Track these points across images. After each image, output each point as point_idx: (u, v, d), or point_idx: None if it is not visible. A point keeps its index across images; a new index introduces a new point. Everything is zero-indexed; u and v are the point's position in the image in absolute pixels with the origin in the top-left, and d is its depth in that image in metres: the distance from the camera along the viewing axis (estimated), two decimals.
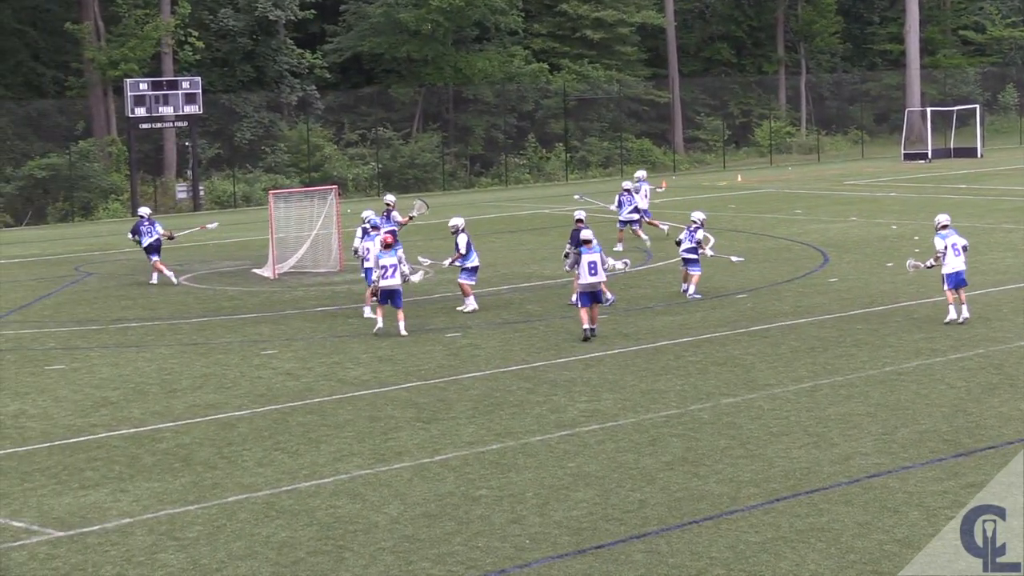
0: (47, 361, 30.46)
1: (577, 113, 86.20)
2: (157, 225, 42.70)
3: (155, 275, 42.12)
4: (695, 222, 35.21)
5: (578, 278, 30.03)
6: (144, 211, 44.36)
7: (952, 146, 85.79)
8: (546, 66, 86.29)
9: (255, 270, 43.15)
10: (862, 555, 15.86)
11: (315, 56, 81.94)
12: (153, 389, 26.87)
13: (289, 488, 19.50)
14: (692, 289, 34.93)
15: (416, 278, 33.37)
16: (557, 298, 35.96)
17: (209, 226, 49.11)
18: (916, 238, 45.11)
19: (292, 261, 42.63)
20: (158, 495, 19.39)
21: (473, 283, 34.35)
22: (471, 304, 34.15)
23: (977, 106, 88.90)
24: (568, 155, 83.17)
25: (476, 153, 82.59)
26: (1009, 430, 21.66)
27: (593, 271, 29.46)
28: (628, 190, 46.70)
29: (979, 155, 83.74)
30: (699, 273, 34.99)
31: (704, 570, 15.75)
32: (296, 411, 24.57)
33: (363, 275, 34.29)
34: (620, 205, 46.24)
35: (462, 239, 33.89)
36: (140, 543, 17.17)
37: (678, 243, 35.40)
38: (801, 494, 18.57)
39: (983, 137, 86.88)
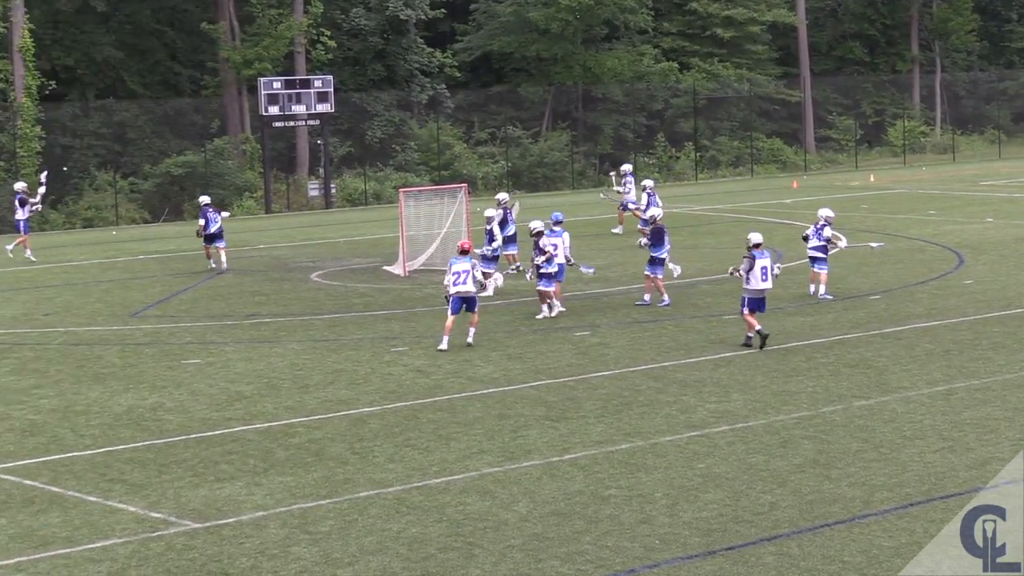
0: (184, 356, 30.81)
1: (707, 112, 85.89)
2: (222, 212, 45.73)
3: (213, 261, 45.03)
4: (822, 219, 34.83)
5: (748, 283, 29.33)
6: (205, 199, 47.03)
7: None
8: (676, 65, 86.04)
9: (386, 267, 43.40)
10: None
11: (445, 55, 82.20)
12: (286, 384, 27.11)
13: (420, 484, 19.53)
14: (822, 290, 34.60)
15: (490, 288, 33.45)
16: (687, 298, 35.81)
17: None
18: None
19: (422, 259, 42.75)
20: (291, 489, 19.52)
21: (552, 288, 33.79)
22: (546, 311, 33.73)
23: None
24: (698, 154, 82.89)
25: (605, 152, 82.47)
26: None
27: (764, 277, 29.10)
28: (650, 191, 46.87)
29: None
30: (826, 272, 34.66)
31: (837, 574, 15.60)
32: (426, 408, 24.64)
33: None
34: (647, 205, 45.84)
35: (546, 241, 33.52)
36: (273, 536, 17.29)
37: (805, 239, 35.08)
38: (936, 499, 18.35)
39: None
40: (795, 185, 70.10)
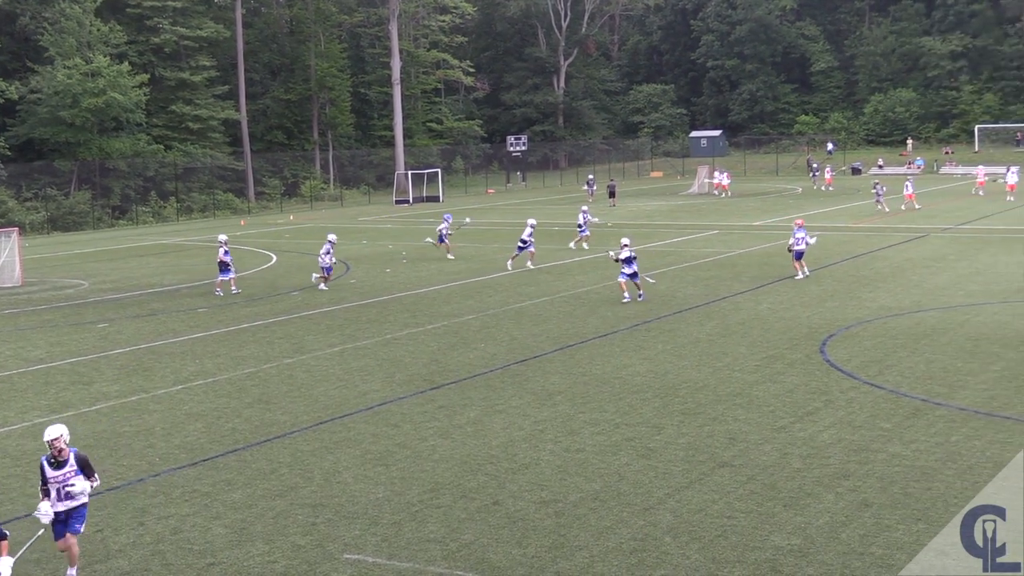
0: None
1: (184, 177, 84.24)
2: None
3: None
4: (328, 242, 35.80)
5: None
6: None
7: (425, 195, 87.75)
8: (162, 146, 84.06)
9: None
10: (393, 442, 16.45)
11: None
12: None
13: None
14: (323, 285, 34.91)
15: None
16: (173, 299, 35.24)
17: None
18: (403, 253, 46.08)
19: None
20: None
21: None
22: None
23: (439, 170, 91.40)
24: (179, 204, 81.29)
25: (115, 204, 79.60)
26: (463, 372, 22.61)
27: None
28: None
29: (441, 200, 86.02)
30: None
31: (275, 470, 16.00)
32: None
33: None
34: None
35: None
36: None
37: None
38: (336, 417, 19.04)
39: (443, 189, 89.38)
40: (243, 223, 69.68)
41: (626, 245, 30.78)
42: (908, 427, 17.34)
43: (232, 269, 35.72)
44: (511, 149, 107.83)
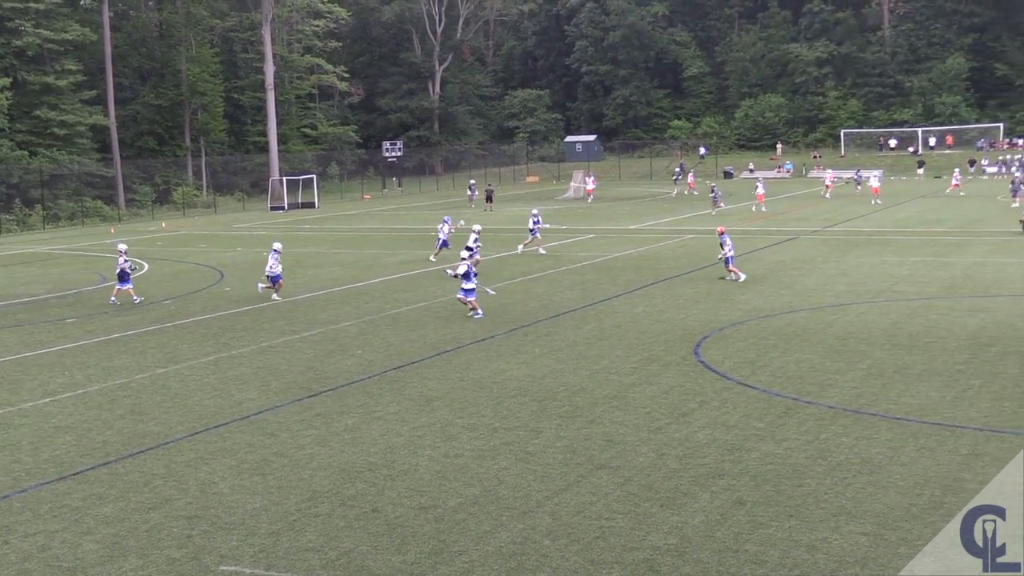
0: None
1: (51, 184, 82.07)
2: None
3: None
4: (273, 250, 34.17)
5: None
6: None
7: (300, 201, 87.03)
8: (26, 153, 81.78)
9: None
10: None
11: None
12: None
13: None
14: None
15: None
16: (41, 309, 34.34)
17: None
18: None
19: None
20: None
21: None
22: None
23: (314, 176, 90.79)
24: (44, 212, 79.14)
25: None
26: (341, 379, 22.45)
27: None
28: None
29: (317, 206, 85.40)
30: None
31: (150, 482, 15.69)
32: None
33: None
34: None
35: None
36: None
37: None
38: (215, 426, 18.75)
39: (319, 195, 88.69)
40: (112, 231, 68.23)
41: (465, 259, 29.92)
42: (780, 426, 17.71)
43: (131, 278, 34.99)
44: (387, 154, 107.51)
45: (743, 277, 34.21)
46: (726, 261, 34.47)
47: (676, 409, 19.01)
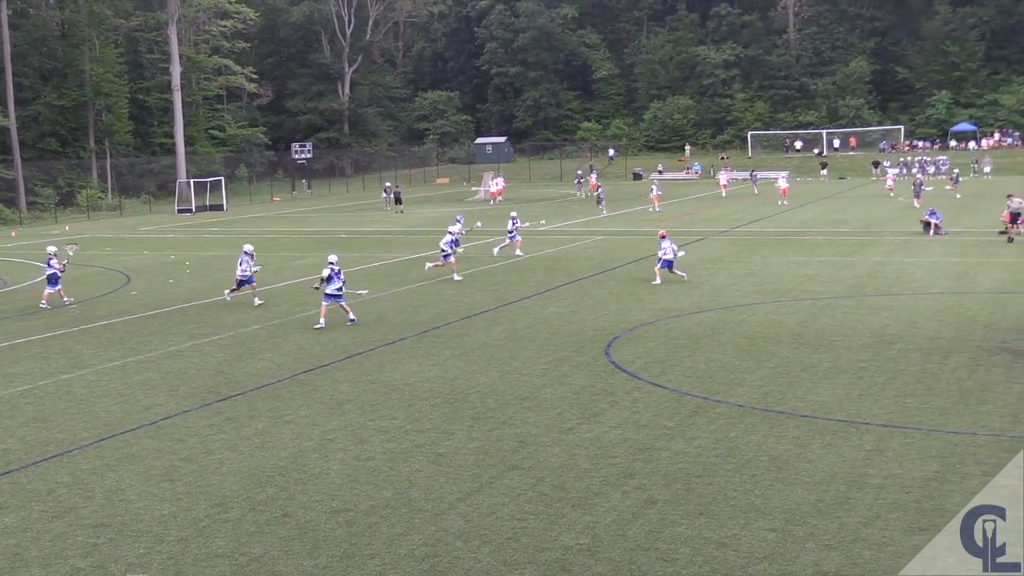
0: None
1: None
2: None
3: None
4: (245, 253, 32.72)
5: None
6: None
7: (208, 203, 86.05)
8: None
9: None
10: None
11: None
12: None
13: None
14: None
15: None
16: None
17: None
18: (187, 263, 45.06)
19: None
20: None
21: None
22: None
23: (222, 178, 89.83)
24: None
25: None
26: (250, 383, 22.22)
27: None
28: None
29: (225, 209, 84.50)
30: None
31: (53, 490, 15.39)
32: None
33: None
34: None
35: None
36: None
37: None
38: (118, 434, 18.43)
39: (227, 198, 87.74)
40: (14, 234, 66.85)
41: (332, 263, 28.81)
42: (690, 425, 17.89)
43: (60, 280, 34.14)
44: (296, 156, 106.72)
45: (658, 281, 34.24)
46: (662, 263, 34.34)
47: (587, 409, 19.12)
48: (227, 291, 33.65)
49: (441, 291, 34.35)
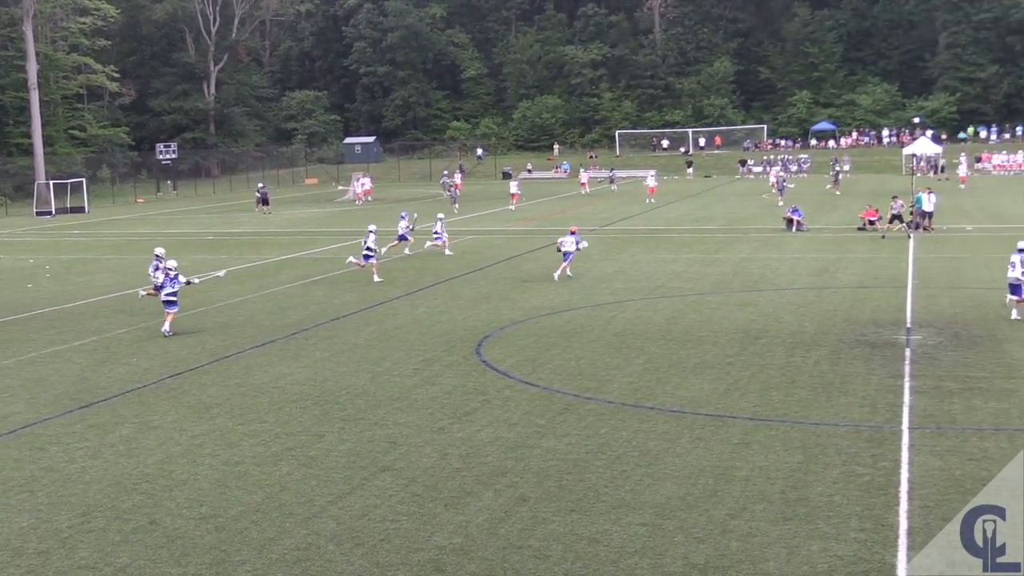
0: None
1: None
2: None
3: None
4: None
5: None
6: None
7: (69, 206, 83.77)
8: None
9: None
10: None
11: None
12: None
13: None
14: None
15: None
16: None
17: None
18: (47, 267, 43.87)
19: None
20: None
21: None
22: None
23: (84, 179, 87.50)
24: None
25: None
26: (115, 388, 21.73)
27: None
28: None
29: (87, 211, 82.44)
30: None
31: None
32: None
33: None
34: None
35: None
36: None
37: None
38: None
39: (89, 199, 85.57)
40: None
41: (170, 269, 27.85)
42: (561, 422, 18.02)
43: None
44: (161, 157, 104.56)
45: (556, 276, 34.62)
46: (565, 256, 34.87)
47: (459, 409, 19.13)
48: (142, 290, 31.31)
49: (310, 292, 34.03)
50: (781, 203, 61.03)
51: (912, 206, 47.61)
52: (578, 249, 35.06)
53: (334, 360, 23.70)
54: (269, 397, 20.47)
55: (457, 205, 67.24)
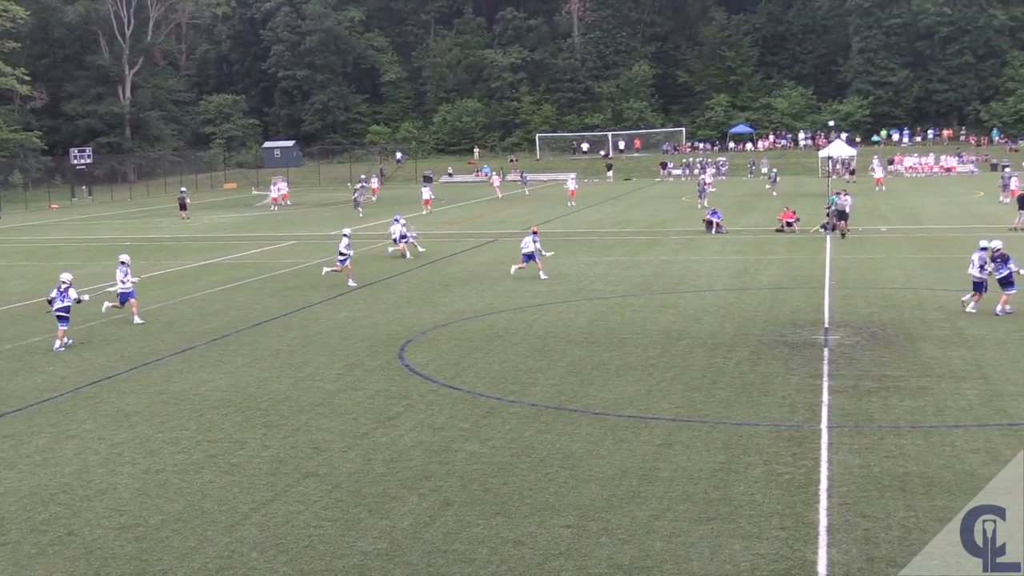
0: None
1: None
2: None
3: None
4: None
5: None
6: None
7: None
8: None
9: None
10: None
11: None
12: None
13: None
14: None
15: None
16: None
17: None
18: None
19: None
20: None
21: None
22: None
23: None
24: None
25: None
26: (31, 397, 21.32)
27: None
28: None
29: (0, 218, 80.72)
30: None
31: None
32: None
33: None
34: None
35: None
36: None
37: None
38: None
39: (0, 206, 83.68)
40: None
41: (63, 280, 26.80)
42: (485, 426, 18.04)
43: None
44: (75, 162, 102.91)
45: (514, 270, 35.91)
46: (531, 256, 35.70)
47: (382, 413, 19.06)
48: (106, 304, 30.41)
49: (231, 298, 33.70)
50: (704, 205, 61.67)
51: (827, 208, 48.30)
52: (537, 250, 35.80)
53: (256, 366, 23.49)
54: (190, 404, 20.24)
55: (360, 209, 67.85)
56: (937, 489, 14.39)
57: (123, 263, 29.85)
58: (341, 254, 36.02)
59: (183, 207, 71.86)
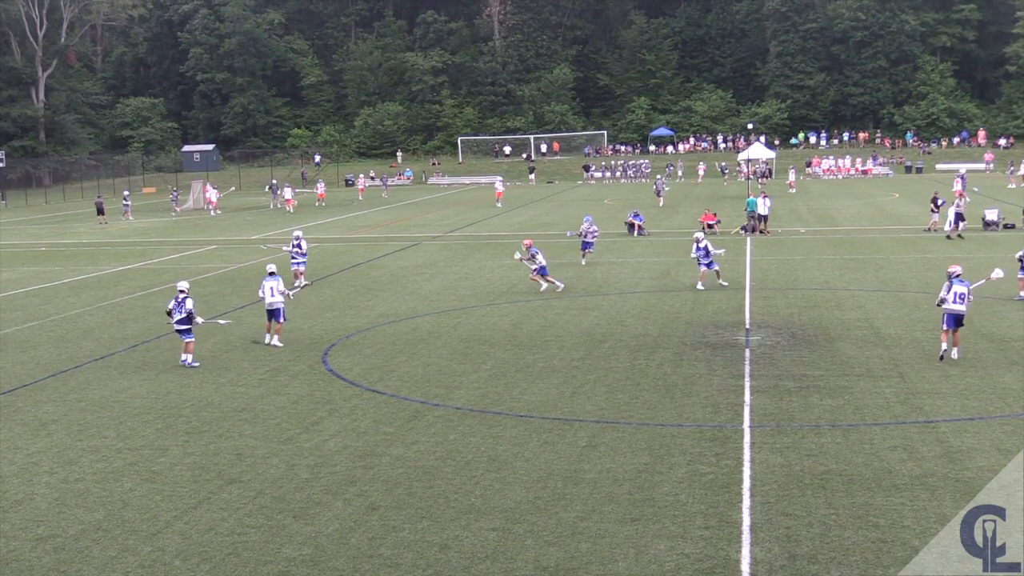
0: None
1: None
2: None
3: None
4: None
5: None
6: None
7: None
8: None
9: None
10: None
11: None
12: None
13: None
14: None
15: None
16: None
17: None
18: None
19: None
20: None
21: None
22: None
23: None
24: None
25: None
26: None
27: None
28: None
29: None
30: None
31: None
32: None
33: None
34: None
35: None
36: None
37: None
38: None
39: None
40: None
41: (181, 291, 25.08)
42: (409, 429, 18.00)
43: None
44: None
45: (560, 286, 33.34)
46: (541, 271, 33.25)
47: (306, 419, 18.94)
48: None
49: (152, 304, 33.25)
50: (662, 204, 64.08)
51: (747, 210, 48.88)
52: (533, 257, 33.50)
53: (177, 372, 23.22)
54: (110, 412, 19.95)
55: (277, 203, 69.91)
56: (856, 486, 14.63)
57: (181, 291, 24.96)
58: (303, 255, 35.56)
59: (100, 212, 70.71)
